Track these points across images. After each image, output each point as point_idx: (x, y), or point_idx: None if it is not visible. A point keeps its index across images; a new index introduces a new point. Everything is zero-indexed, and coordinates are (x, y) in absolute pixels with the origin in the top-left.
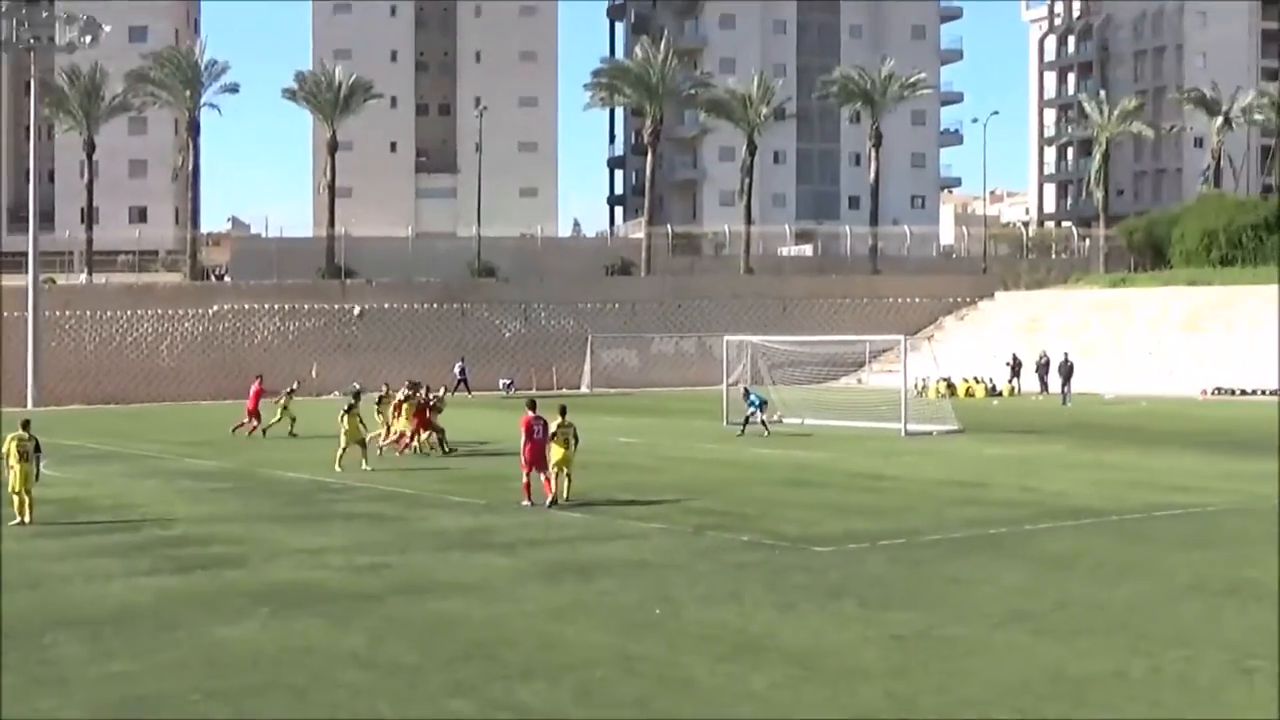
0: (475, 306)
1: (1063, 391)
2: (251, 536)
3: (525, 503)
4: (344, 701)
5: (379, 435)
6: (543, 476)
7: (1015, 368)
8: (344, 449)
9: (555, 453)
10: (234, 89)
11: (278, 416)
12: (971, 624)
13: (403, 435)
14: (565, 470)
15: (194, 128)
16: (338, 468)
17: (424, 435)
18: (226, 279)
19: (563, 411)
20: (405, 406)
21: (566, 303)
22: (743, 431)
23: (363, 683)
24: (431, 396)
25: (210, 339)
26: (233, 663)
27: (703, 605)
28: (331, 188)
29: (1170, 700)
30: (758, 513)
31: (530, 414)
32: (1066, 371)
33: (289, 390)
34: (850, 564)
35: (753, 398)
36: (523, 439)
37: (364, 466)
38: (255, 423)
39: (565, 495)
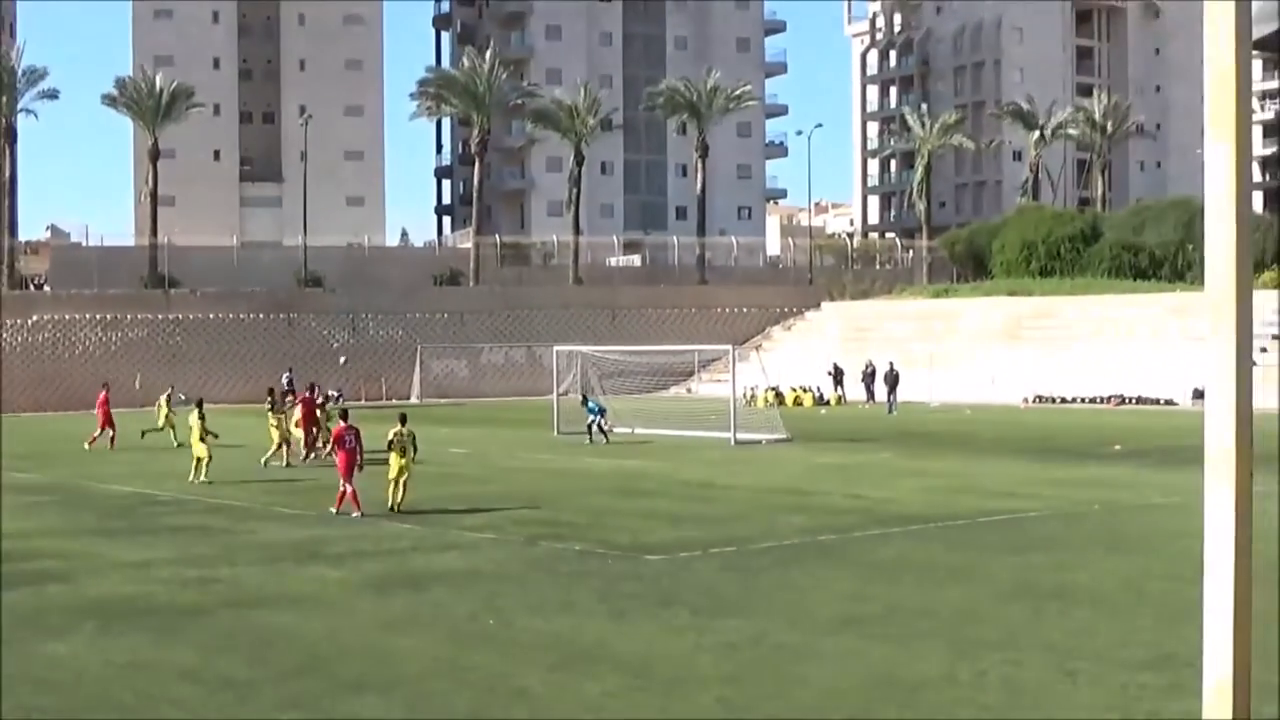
0: (302, 317)
1: (889, 400)
2: (76, 551)
3: (356, 514)
4: (174, 718)
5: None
6: (348, 488)
7: (837, 377)
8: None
9: (393, 462)
10: (53, 95)
11: (160, 424)
12: (803, 630)
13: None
14: (401, 480)
15: (10, 134)
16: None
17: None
18: (46, 288)
19: (402, 420)
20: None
21: (395, 313)
22: (590, 439)
23: (193, 698)
24: (320, 398)
25: (30, 350)
26: (59, 680)
27: (535, 615)
28: (154, 196)
29: (996, 702)
30: (590, 522)
31: (342, 424)
32: (892, 380)
33: (168, 395)
34: (682, 572)
35: (591, 404)
36: (333, 448)
37: (198, 480)
38: (111, 432)
39: (398, 504)
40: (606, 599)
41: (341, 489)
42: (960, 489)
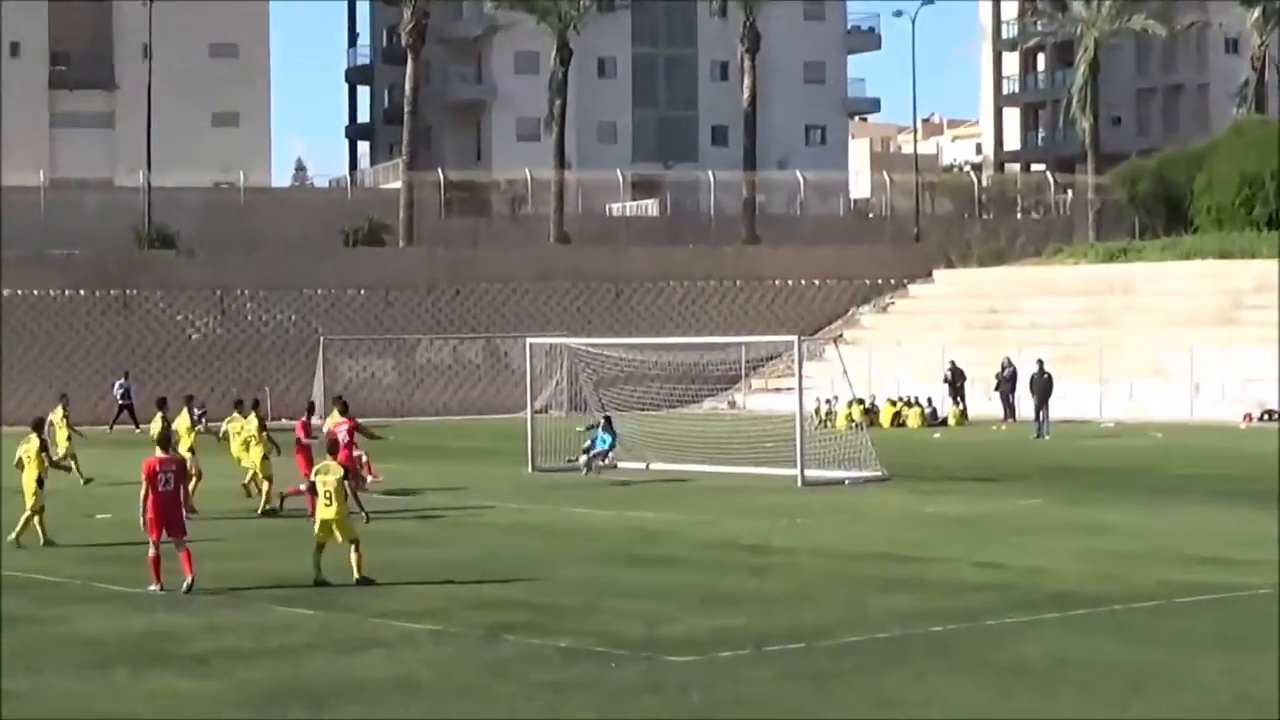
0: (145, 294)
1: (1038, 418)
2: None
3: (153, 587)
4: None
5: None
6: (180, 551)
7: (957, 382)
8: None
9: (321, 510)
10: None
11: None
12: None
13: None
14: (344, 537)
15: None
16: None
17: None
18: None
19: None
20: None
21: (284, 288)
22: (586, 469)
23: None
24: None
25: None
26: None
27: None
28: None
29: None
30: (582, 604)
31: (159, 454)
32: (1042, 388)
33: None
34: (722, 682)
35: (600, 438)
36: (144, 491)
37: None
38: None
39: (357, 572)
40: None
41: (153, 551)
42: (1145, 554)
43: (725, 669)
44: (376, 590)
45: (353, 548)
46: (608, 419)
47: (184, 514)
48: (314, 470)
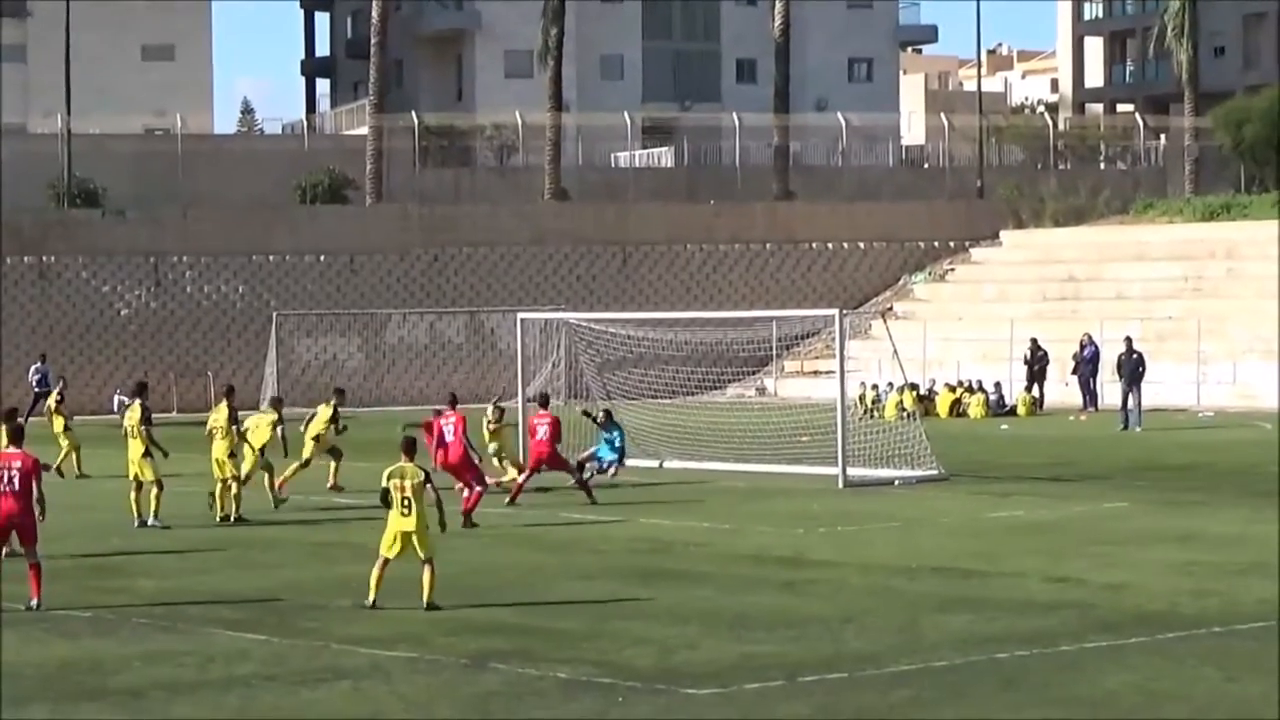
0: (65, 261)
1: (1125, 406)
2: None
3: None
4: None
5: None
6: (29, 564)
7: (1037, 365)
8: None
9: (397, 520)
10: None
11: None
12: None
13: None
14: (422, 552)
15: None
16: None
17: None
18: None
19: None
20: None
21: (230, 254)
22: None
23: None
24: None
25: None
26: None
27: None
28: None
29: None
30: (584, 629)
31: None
32: (1131, 370)
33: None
34: (750, 718)
35: (611, 439)
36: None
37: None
38: None
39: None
40: None
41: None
42: (1249, 568)
43: (753, 703)
44: (340, 613)
45: (427, 567)
46: (608, 414)
47: (35, 521)
48: (387, 473)
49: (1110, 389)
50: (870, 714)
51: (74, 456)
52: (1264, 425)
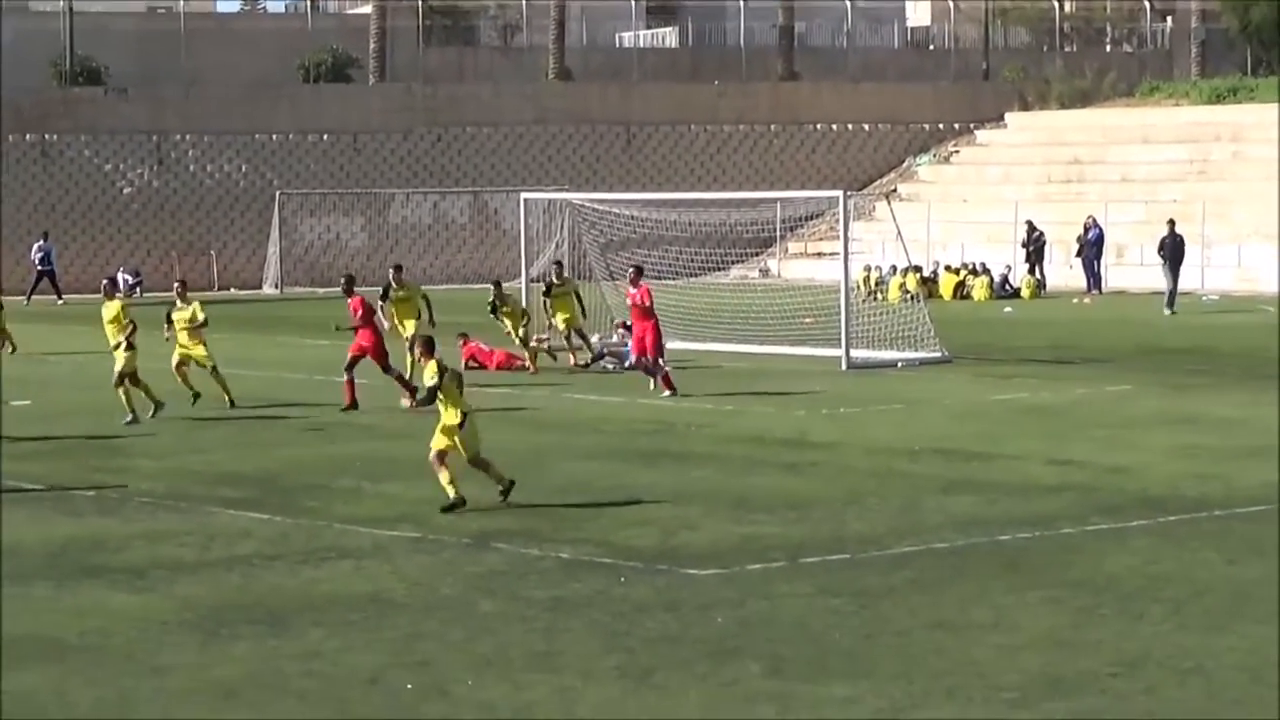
0: (67, 140)
1: (1170, 286)
2: None
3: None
4: None
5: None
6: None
7: (1034, 248)
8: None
9: (447, 414)
10: None
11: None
12: (971, 704)
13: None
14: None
15: None
16: None
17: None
18: None
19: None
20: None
21: (233, 133)
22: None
23: None
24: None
25: None
26: None
27: (489, 677)
28: None
29: None
30: (585, 509)
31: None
32: (1174, 250)
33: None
34: (752, 599)
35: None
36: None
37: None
38: None
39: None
40: (617, 648)
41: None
42: (1251, 451)
43: (755, 584)
44: (342, 493)
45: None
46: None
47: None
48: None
49: (1114, 273)
50: (872, 595)
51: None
52: (1267, 309)
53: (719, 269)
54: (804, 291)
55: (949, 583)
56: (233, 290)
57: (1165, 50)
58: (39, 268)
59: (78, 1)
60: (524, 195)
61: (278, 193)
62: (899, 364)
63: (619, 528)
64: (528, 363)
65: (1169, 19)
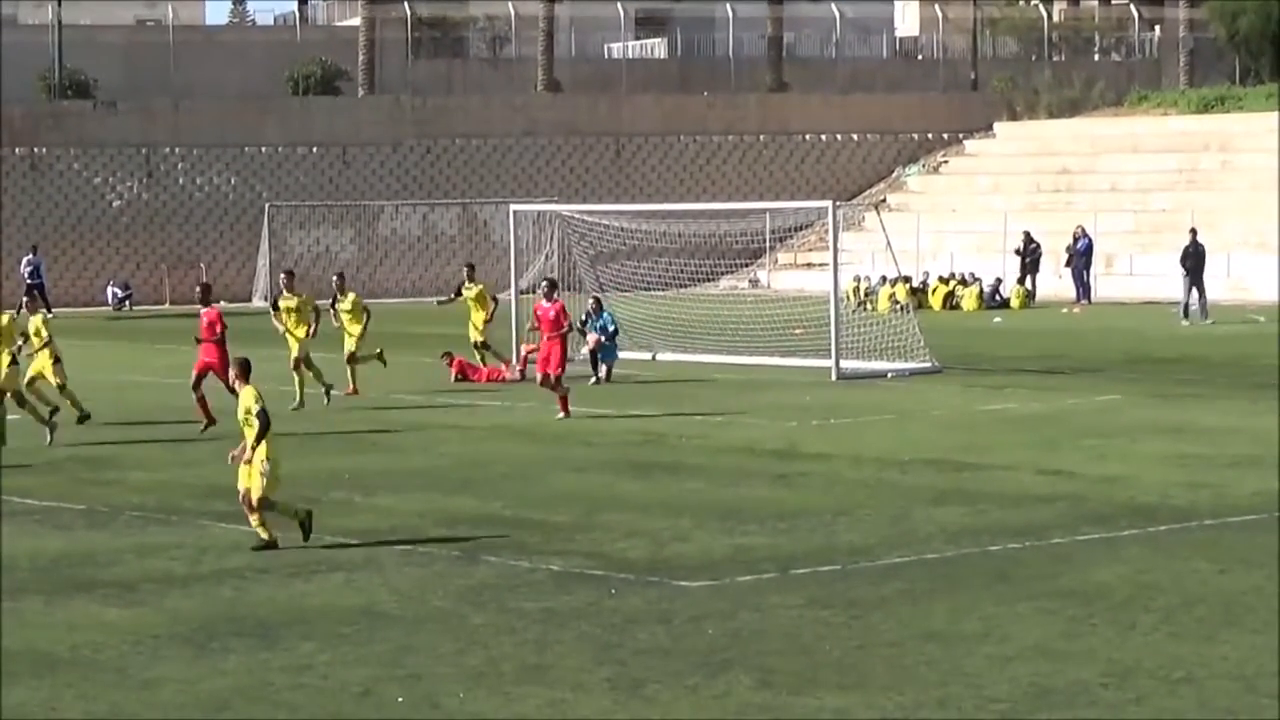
0: (56, 153)
1: (1202, 298)
2: None
3: None
4: None
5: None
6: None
7: (1029, 258)
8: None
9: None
10: None
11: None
12: (963, 715)
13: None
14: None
15: None
16: None
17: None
18: None
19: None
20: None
21: (222, 146)
22: (596, 377)
23: None
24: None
25: None
26: None
27: (481, 689)
28: None
29: None
30: (576, 521)
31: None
32: (1195, 258)
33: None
34: (743, 610)
35: (605, 317)
36: None
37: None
38: None
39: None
40: (608, 660)
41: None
42: (1241, 460)
43: (745, 595)
44: (334, 505)
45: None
46: (598, 301)
47: None
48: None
49: (1103, 283)
50: (863, 606)
51: None
52: (1257, 318)
53: (708, 280)
54: (794, 302)
55: (940, 593)
56: (222, 303)
57: (1154, 59)
58: (28, 281)
59: (66, 14)
60: (513, 207)
61: (267, 205)
62: (889, 375)
63: (610, 540)
64: (505, 372)
65: (1157, 28)
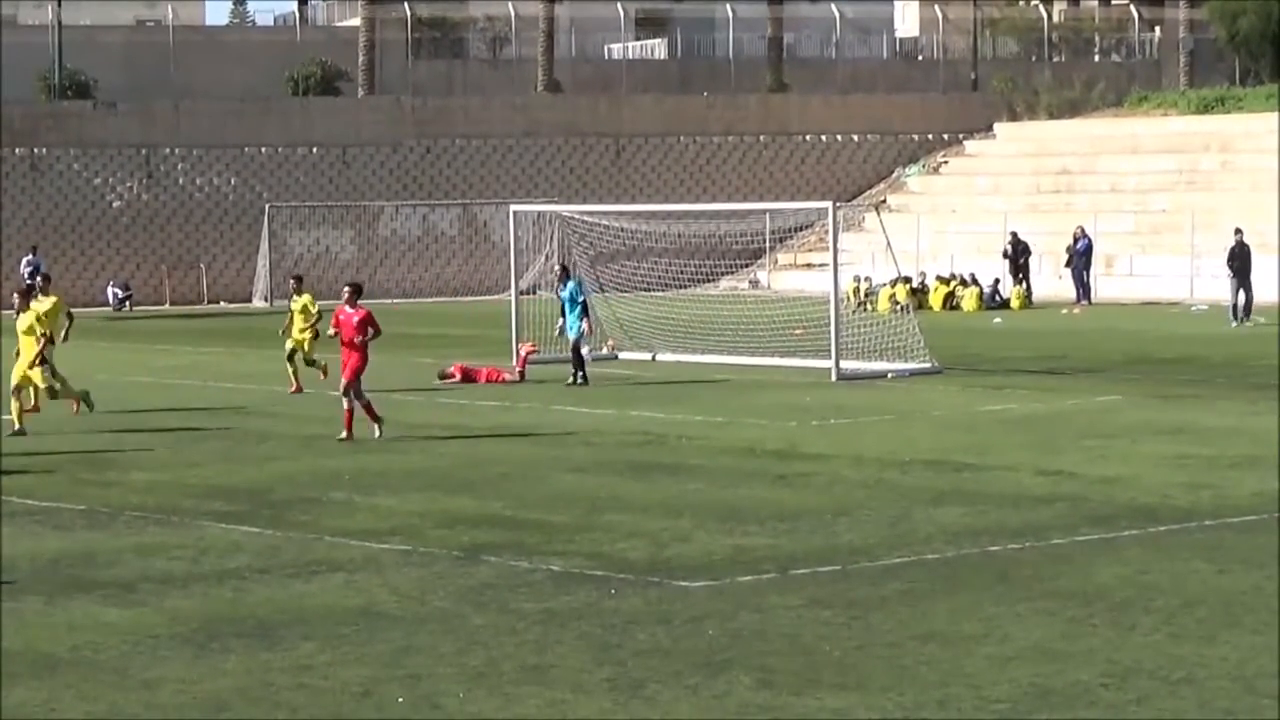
0: (56, 153)
1: (1249, 300)
2: None
3: None
4: None
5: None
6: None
7: (1018, 259)
8: None
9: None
10: None
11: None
12: (963, 716)
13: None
14: None
15: None
16: None
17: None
18: None
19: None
20: None
21: (222, 146)
22: (576, 379)
23: None
24: None
25: None
26: None
27: (481, 690)
28: None
29: None
30: (576, 521)
31: None
32: (1242, 259)
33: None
34: (743, 611)
35: (571, 286)
36: None
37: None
38: None
39: None
40: (609, 660)
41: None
42: (1242, 461)
43: (746, 596)
44: (333, 506)
45: None
46: (564, 268)
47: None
48: None
49: (1103, 283)
50: (863, 606)
51: None
52: (1258, 318)
53: (708, 280)
54: (794, 303)
55: (940, 594)
56: (222, 303)
57: (1154, 60)
58: (28, 281)
59: (66, 14)
60: (513, 207)
61: (267, 206)
62: (889, 375)
63: (610, 540)
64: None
65: (1157, 29)
